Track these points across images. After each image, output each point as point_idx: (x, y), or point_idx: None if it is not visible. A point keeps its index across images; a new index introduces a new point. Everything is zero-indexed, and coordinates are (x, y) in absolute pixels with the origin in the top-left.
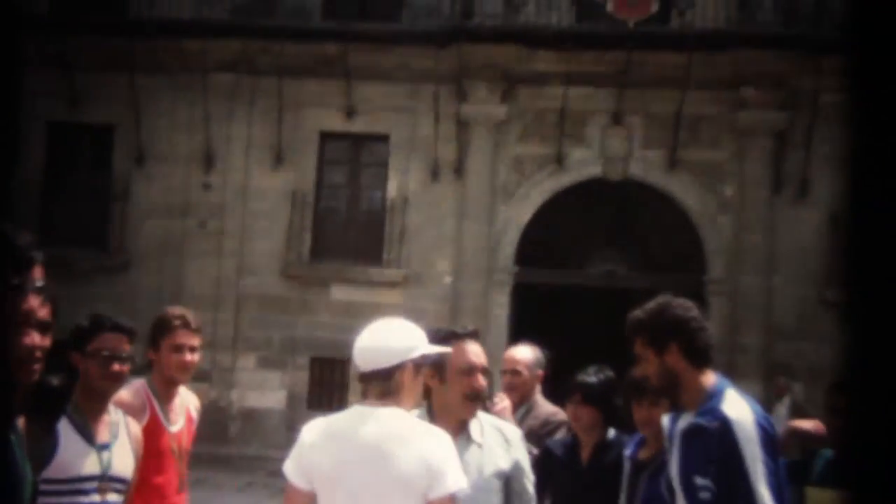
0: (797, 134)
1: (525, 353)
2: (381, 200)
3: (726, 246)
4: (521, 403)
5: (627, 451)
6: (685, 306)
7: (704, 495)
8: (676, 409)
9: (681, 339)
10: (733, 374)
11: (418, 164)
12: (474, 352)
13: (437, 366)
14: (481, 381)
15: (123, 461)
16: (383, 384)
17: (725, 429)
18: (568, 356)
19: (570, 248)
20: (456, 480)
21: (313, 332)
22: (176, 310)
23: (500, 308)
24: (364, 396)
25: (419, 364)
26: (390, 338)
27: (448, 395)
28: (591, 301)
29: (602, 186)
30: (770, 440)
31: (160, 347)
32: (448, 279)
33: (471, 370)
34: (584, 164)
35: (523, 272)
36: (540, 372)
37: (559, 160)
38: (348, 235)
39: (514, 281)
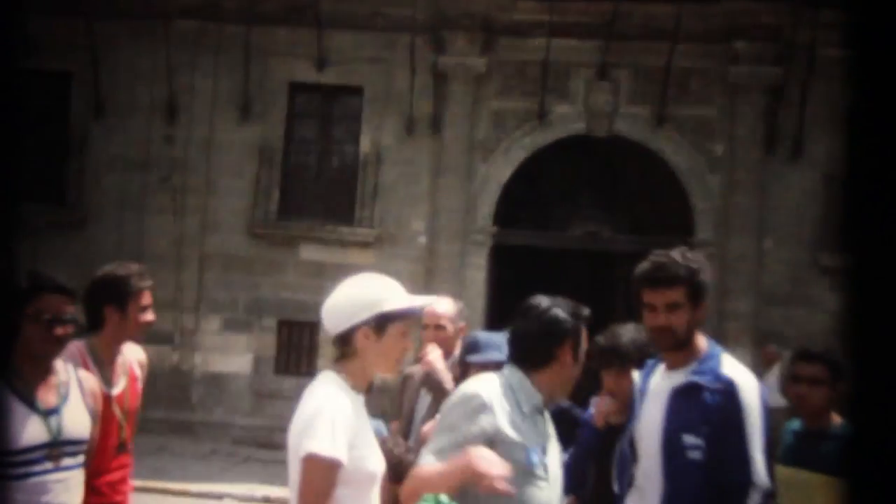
0: (792, 90)
1: (448, 307)
2: (353, 156)
3: (715, 207)
4: (446, 358)
5: (587, 414)
6: (692, 263)
7: (694, 454)
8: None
9: (708, 298)
10: (721, 340)
11: (393, 118)
12: None
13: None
14: None
15: (76, 422)
16: (342, 348)
17: (731, 392)
18: None
19: (551, 208)
20: (314, 443)
21: (281, 293)
22: (133, 267)
23: (478, 270)
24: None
25: (384, 322)
26: (347, 298)
27: (575, 374)
28: (574, 263)
29: (586, 143)
30: (767, 412)
31: (127, 308)
32: (423, 239)
33: None
34: (567, 120)
35: (502, 233)
36: (462, 325)
37: (541, 115)
38: (318, 192)
39: (492, 242)
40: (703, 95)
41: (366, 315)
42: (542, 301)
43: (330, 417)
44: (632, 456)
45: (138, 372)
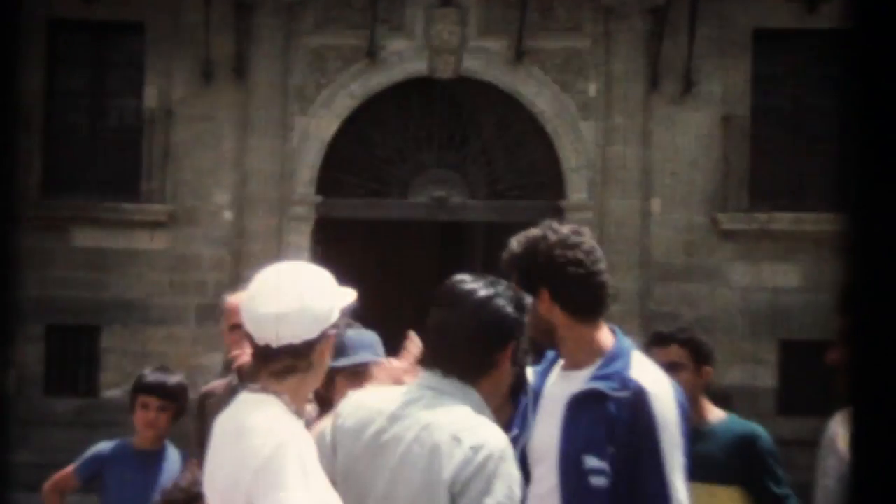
0: (678, 12)
1: None
2: (135, 112)
3: (590, 161)
4: None
5: None
6: (567, 240)
7: (598, 481)
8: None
9: (554, 284)
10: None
11: (184, 62)
12: None
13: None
14: None
15: None
16: (291, 362)
17: (641, 402)
18: (395, 307)
19: (388, 170)
20: (287, 496)
21: (48, 291)
22: None
23: (299, 251)
24: (248, 377)
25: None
26: (311, 298)
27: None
28: (419, 236)
29: (429, 87)
30: (686, 420)
31: None
32: (229, 215)
33: None
34: (403, 59)
35: (328, 203)
36: None
37: (372, 54)
38: (92, 161)
39: (315, 215)
40: (570, 22)
41: (334, 319)
42: (477, 287)
43: (298, 458)
44: (524, 478)
45: None
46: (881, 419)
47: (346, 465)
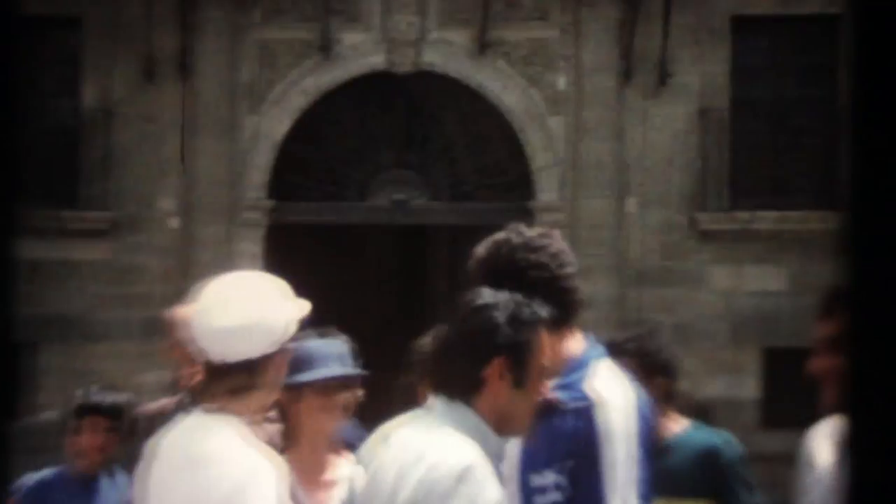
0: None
1: None
2: (72, 113)
3: (561, 159)
4: None
5: None
6: (531, 243)
7: (544, 500)
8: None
9: (517, 290)
10: None
11: (125, 59)
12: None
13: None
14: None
15: None
16: (244, 379)
17: (588, 414)
18: (354, 317)
19: (345, 172)
20: None
21: None
22: None
23: (251, 259)
24: (200, 396)
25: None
26: (264, 307)
27: (523, 406)
28: (379, 241)
29: (387, 83)
30: (651, 436)
31: None
32: (175, 222)
33: (546, 371)
34: (359, 52)
35: (281, 208)
36: None
37: (325, 47)
38: (25, 165)
39: (268, 220)
40: (536, 12)
41: (291, 332)
42: (481, 297)
43: (264, 492)
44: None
45: None
46: (880, 427)
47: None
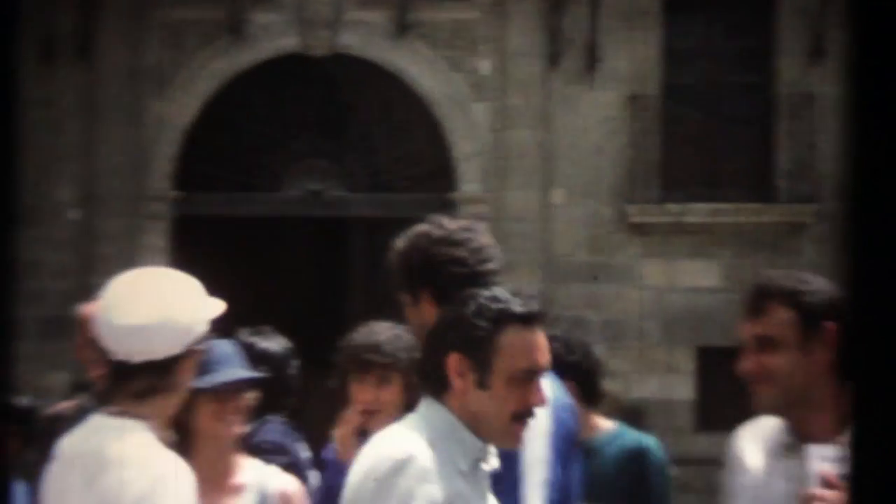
0: None
1: None
2: None
3: (484, 147)
4: None
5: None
6: (451, 236)
7: None
8: None
9: (435, 285)
10: None
11: (20, 39)
12: (541, 345)
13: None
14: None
15: None
16: (154, 381)
17: None
18: (268, 315)
19: (257, 161)
20: None
21: None
22: None
23: (156, 253)
24: (103, 398)
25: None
26: (172, 305)
27: (490, 409)
28: (295, 235)
29: (301, 66)
30: (568, 439)
31: None
32: (74, 214)
33: (530, 374)
34: (272, 34)
35: (188, 199)
36: None
37: (235, 28)
38: None
39: (174, 212)
40: None
41: (200, 331)
42: (472, 294)
43: (178, 494)
44: None
45: None
46: (881, 427)
47: None
